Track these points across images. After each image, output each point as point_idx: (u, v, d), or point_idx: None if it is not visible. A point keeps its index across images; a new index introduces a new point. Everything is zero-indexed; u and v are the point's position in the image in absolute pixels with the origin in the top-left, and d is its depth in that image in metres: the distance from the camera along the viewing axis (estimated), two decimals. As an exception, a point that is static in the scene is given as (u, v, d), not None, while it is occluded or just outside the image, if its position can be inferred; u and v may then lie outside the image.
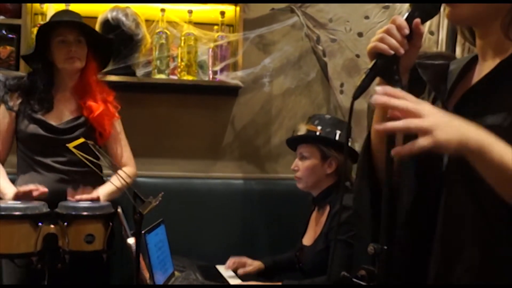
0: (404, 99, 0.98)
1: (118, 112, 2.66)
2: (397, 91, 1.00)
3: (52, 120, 2.50)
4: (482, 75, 1.15)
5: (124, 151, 2.67)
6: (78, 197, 2.32)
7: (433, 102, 1.25)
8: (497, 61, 1.13)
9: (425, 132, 0.94)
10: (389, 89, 1.00)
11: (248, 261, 2.69)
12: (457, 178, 1.09)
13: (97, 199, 2.35)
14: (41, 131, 2.47)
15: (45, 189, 2.30)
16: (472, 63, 1.23)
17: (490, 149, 0.96)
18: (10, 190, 2.34)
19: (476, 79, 1.18)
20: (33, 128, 2.47)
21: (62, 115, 2.53)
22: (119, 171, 2.20)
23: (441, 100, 1.21)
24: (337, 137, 2.46)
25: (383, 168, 1.09)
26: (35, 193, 2.27)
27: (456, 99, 1.18)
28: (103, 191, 2.42)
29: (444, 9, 1.18)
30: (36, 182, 2.40)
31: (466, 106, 1.14)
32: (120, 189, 2.25)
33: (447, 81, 1.24)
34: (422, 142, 0.94)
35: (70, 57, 2.49)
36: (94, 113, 2.51)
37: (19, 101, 2.52)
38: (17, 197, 2.26)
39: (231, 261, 2.70)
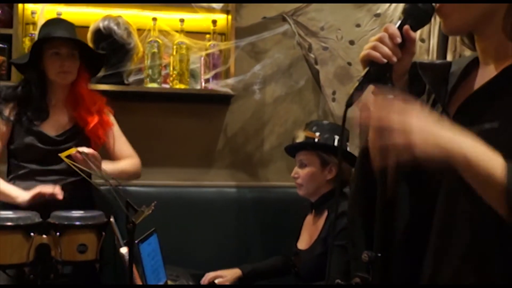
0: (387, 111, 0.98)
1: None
2: (380, 101, 1.00)
3: (49, 130, 2.50)
4: (484, 79, 1.14)
5: (125, 148, 2.68)
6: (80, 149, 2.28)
7: (433, 105, 1.25)
8: (499, 64, 1.12)
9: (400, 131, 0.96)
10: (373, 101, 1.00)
11: (224, 273, 2.63)
12: (455, 186, 1.08)
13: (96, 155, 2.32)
14: (37, 143, 2.46)
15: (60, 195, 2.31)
16: (473, 65, 1.21)
17: (476, 161, 0.96)
18: (19, 192, 2.34)
19: (478, 83, 1.16)
20: (30, 139, 2.46)
21: (58, 125, 2.53)
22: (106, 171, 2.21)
23: (441, 104, 1.20)
24: (335, 143, 2.46)
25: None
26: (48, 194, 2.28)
27: (458, 104, 1.17)
28: (107, 166, 2.41)
29: (437, 18, 1.18)
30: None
31: (468, 111, 1.13)
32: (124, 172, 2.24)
33: (448, 83, 1.22)
34: (397, 139, 0.95)
35: (63, 71, 2.49)
36: (90, 125, 2.52)
37: (15, 111, 2.51)
38: (34, 199, 2.28)
39: (207, 277, 2.63)
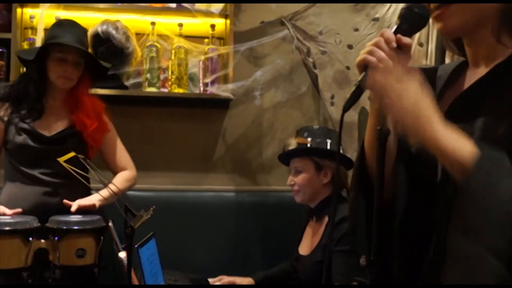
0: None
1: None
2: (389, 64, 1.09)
3: (42, 130, 2.46)
4: (474, 80, 1.16)
5: (122, 155, 2.67)
6: (75, 206, 2.31)
7: None
8: (490, 66, 1.14)
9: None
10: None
11: (238, 279, 2.68)
12: (452, 189, 1.08)
13: (93, 206, 2.34)
14: (30, 142, 2.42)
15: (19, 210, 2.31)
16: (461, 68, 1.24)
17: (445, 145, 1.02)
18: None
19: (467, 84, 1.18)
20: (22, 138, 2.42)
21: (52, 125, 2.50)
22: (110, 184, 2.19)
23: None
24: (328, 146, 2.46)
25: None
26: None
27: (447, 104, 1.18)
28: (98, 196, 2.39)
29: (433, 23, 1.19)
30: (22, 194, 2.39)
31: (459, 110, 1.15)
32: (116, 194, 2.24)
33: (436, 87, 1.24)
34: (389, 101, 1.05)
35: (64, 77, 2.46)
36: (88, 130, 2.49)
37: (10, 111, 2.48)
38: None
39: (221, 279, 2.70)
